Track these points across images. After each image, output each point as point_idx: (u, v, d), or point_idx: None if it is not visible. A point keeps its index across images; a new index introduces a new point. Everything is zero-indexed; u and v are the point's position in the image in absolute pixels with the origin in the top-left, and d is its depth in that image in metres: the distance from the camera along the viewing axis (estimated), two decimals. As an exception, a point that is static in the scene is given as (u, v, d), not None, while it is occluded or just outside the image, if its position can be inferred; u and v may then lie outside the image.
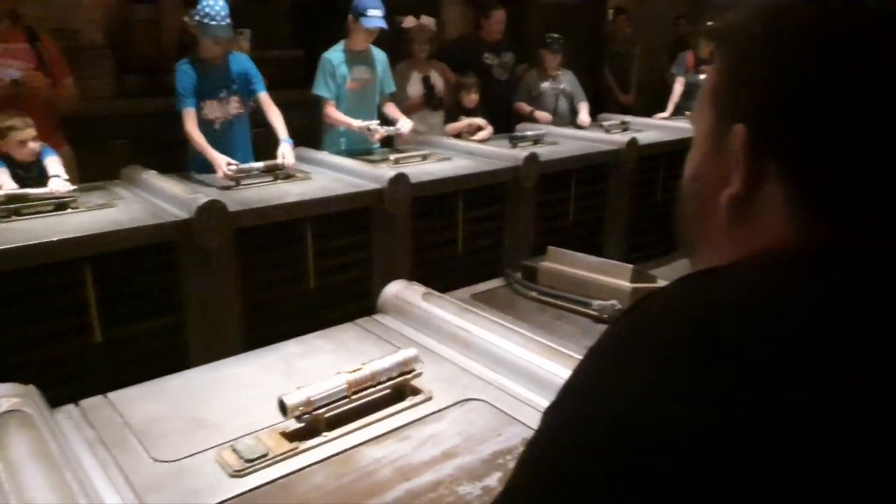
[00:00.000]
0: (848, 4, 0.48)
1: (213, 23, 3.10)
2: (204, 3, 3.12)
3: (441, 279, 1.95)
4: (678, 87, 5.17)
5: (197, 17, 3.13)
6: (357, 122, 3.58)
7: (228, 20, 3.14)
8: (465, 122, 4.19)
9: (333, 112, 3.65)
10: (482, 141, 4.05)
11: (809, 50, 0.48)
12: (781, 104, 0.49)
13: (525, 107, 4.65)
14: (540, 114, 4.58)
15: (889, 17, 0.47)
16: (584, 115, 4.66)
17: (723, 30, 0.56)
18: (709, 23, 5.01)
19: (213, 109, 3.31)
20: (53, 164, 2.75)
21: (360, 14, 3.54)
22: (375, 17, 3.54)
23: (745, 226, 0.53)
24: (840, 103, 0.47)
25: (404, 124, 3.63)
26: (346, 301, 2.82)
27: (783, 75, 0.49)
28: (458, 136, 4.13)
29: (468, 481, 1.11)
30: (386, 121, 3.78)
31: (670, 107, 5.15)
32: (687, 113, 4.87)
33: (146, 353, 2.39)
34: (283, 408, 1.15)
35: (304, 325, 1.70)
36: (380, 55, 3.84)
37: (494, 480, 1.11)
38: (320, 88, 3.65)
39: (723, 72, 0.54)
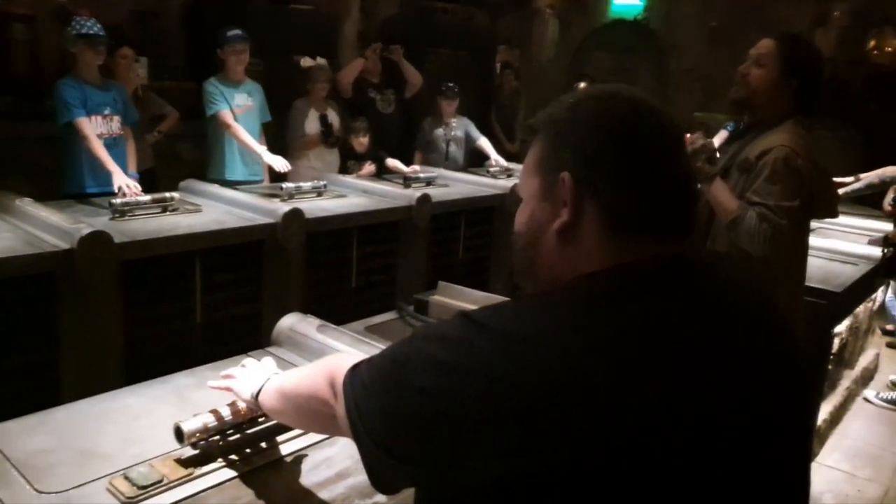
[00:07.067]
0: (615, 98, 0.79)
1: (92, 32, 3.16)
2: (77, 18, 3.21)
3: (334, 313, 1.99)
4: None
5: (74, 32, 3.16)
6: (255, 144, 3.77)
7: (103, 31, 3.22)
8: (370, 168, 4.29)
9: (234, 123, 3.76)
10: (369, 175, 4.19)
11: (598, 126, 0.77)
12: (588, 158, 0.76)
13: (396, 164, 4.40)
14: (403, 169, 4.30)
15: (643, 106, 0.78)
16: (492, 154, 4.80)
17: (544, 118, 0.82)
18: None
19: (97, 125, 3.23)
20: None
21: (225, 42, 3.80)
22: (236, 33, 3.81)
23: (572, 247, 0.77)
24: (618, 158, 0.76)
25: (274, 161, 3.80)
26: (235, 336, 2.78)
27: (586, 141, 0.77)
28: (347, 172, 4.23)
29: (359, 498, 1.17)
30: None
31: None
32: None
33: (16, 389, 2.25)
34: (180, 434, 1.16)
35: (189, 360, 1.68)
36: (256, 85, 4.01)
37: (384, 497, 1.18)
38: (217, 104, 3.75)
39: (546, 146, 0.81)
